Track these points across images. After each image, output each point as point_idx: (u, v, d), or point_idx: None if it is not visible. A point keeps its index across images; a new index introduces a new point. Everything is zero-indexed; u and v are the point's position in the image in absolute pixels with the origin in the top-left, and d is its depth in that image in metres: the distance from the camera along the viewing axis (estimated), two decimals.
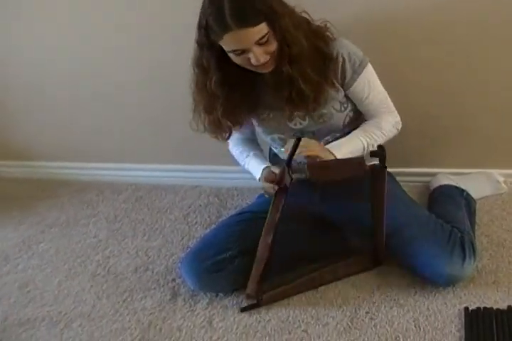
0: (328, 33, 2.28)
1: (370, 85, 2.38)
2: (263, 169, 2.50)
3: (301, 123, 2.41)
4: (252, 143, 2.72)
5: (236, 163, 2.71)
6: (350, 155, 2.30)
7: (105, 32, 3.11)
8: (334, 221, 2.62)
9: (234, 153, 2.72)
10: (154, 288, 2.69)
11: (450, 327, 2.22)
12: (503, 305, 2.27)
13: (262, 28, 2.03)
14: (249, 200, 3.15)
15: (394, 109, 2.47)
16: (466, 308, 2.27)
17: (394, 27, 2.64)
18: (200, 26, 2.11)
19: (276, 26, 2.07)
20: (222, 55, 2.16)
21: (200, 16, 2.09)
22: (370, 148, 2.34)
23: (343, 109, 2.41)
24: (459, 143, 2.95)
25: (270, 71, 2.22)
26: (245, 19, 1.99)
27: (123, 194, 3.61)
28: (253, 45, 2.05)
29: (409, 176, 2.99)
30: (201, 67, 2.24)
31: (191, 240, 3.00)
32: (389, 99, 2.45)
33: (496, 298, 2.33)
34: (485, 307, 2.26)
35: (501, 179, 2.91)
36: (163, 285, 2.70)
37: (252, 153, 2.63)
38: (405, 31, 2.64)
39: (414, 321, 2.28)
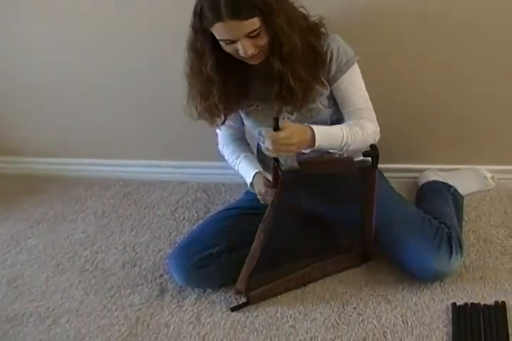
0: (322, 29, 2.28)
1: (353, 85, 2.37)
2: (254, 174, 2.50)
3: (289, 117, 2.40)
4: (243, 143, 2.71)
5: (224, 160, 2.70)
6: (327, 139, 2.23)
7: (99, 29, 3.11)
8: (324, 218, 2.61)
9: (224, 153, 2.71)
10: (142, 284, 2.69)
11: (437, 323, 2.24)
12: (490, 301, 2.28)
13: (254, 22, 2.03)
14: (237, 196, 3.14)
15: (375, 119, 2.42)
16: (454, 304, 2.29)
17: (388, 25, 2.64)
18: (195, 12, 2.10)
19: (270, 23, 2.06)
20: (215, 42, 2.15)
21: (196, 2, 2.09)
22: (348, 143, 2.28)
23: (330, 104, 2.40)
24: (447, 139, 2.96)
25: (261, 63, 2.22)
26: (239, 11, 1.99)
27: (111, 189, 3.60)
28: (242, 37, 2.06)
29: (397, 172, 3.00)
30: (196, 51, 2.23)
31: (179, 236, 3.00)
32: (372, 108, 2.42)
33: (483, 294, 2.35)
34: (472, 303, 2.28)
35: (489, 175, 2.92)
36: (150, 281, 2.70)
37: (242, 155, 2.61)
38: (399, 30, 2.65)
39: (401, 316, 2.30)
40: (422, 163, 3.05)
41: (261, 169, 2.52)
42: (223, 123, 2.47)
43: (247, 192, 2.76)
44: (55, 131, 3.66)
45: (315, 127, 2.20)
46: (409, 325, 2.25)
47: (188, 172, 3.49)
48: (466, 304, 2.28)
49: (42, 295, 2.72)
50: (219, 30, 2.05)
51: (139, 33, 3.04)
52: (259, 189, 2.42)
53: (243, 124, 2.63)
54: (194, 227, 2.83)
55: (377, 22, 2.63)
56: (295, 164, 2.18)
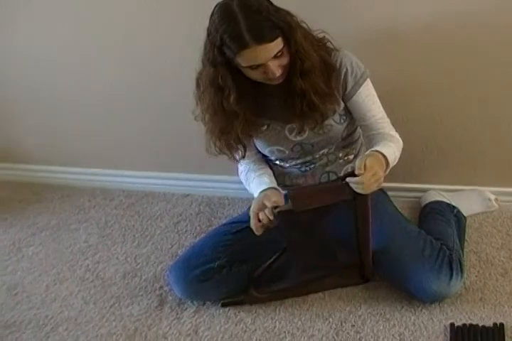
0: (328, 44, 2.29)
1: (371, 98, 2.38)
2: (263, 190, 2.43)
3: (301, 136, 2.40)
4: (261, 162, 2.63)
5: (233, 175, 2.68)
6: (392, 158, 2.20)
7: (102, 37, 3.13)
8: (324, 235, 2.61)
9: (243, 180, 2.64)
10: (142, 295, 2.70)
11: None
12: (488, 323, 2.28)
13: (279, 42, 2.03)
14: (240, 210, 3.14)
15: (392, 126, 2.44)
16: (452, 324, 2.28)
17: (388, 43, 2.66)
18: (212, 44, 2.08)
19: (292, 40, 2.07)
20: (236, 71, 2.15)
21: (210, 34, 2.07)
22: (396, 157, 2.28)
23: (342, 121, 2.40)
24: (451, 159, 2.95)
25: (279, 83, 2.22)
26: (263, 35, 1.98)
27: (115, 200, 3.61)
28: (270, 60, 2.05)
29: (400, 191, 3.00)
30: (217, 86, 2.19)
31: (180, 248, 3.00)
32: (387, 117, 2.44)
33: (482, 315, 2.34)
34: (471, 324, 2.27)
35: (493, 197, 2.92)
36: (150, 292, 2.71)
37: (258, 173, 2.55)
38: (398, 43, 2.66)
39: (399, 335, 2.29)
40: (425, 182, 3.05)
41: (272, 185, 2.46)
42: (243, 156, 2.45)
43: (248, 209, 2.76)
44: (61, 140, 3.68)
45: (380, 149, 2.17)
46: None
47: (192, 185, 3.50)
48: (464, 325, 2.27)
49: (41, 303, 2.72)
50: (246, 58, 2.04)
51: (144, 45, 3.06)
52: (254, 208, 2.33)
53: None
54: (196, 240, 2.82)
55: (378, 40, 2.65)
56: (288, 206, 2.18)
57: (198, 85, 2.34)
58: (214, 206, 3.39)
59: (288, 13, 2.10)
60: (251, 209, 2.31)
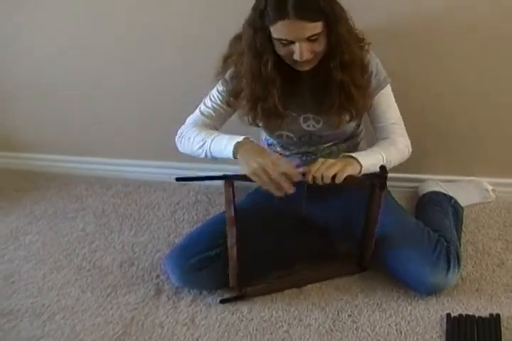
0: (367, 46, 2.30)
1: (389, 102, 2.41)
2: (246, 137, 2.25)
3: (314, 126, 2.41)
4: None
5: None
6: (371, 168, 2.23)
7: (102, 33, 3.14)
8: (321, 224, 2.62)
9: (189, 130, 2.47)
10: (138, 284, 2.70)
11: (431, 333, 2.24)
12: (485, 313, 2.29)
13: (318, 26, 2.02)
14: (238, 199, 3.13)
15: (406, 133, 2.47)
16: (448, 315, 2.29)
17: (393, 40, 2.66)
18: (256, 7, 2.07)
19: (334, 30, 2.07)
20: (271, 42, 2.13)
21: None
22: (387, 164, 2.29)
23: (354, 120, 2.43)
24: (449, 150, 2.96)
25: (308, 72, 2.22)
26: (306, 12, 1.97)
27: (112, 189, 3.61)
28: (302, 40, 2.04)
29: (398, 181, 3.00)
30: (255, 50, 2.16)
31: (178, 237, 3.00)
32: (403, 123, 2.46)
33: (478, 306, 2.35)
34: (467, 315, 2.28)
35: (490, 187, 2.92)
36: (147, 281, 2.71)
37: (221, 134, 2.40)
38: (404, 40, 2.66)
39: (395, 326, 2.30)
40: (423, 173, 3.05)
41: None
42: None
43: (248, 195, 2.76)
44: (59, 129, 3.68)
45: (361, 159, 2.21)
46: (403, 334, 2.25)
47: (189, 174, 3.48)
48: (460, 315, 2.28)
49: (38, 292, 2.72)
50: (280, 29, 2.03)
51: (145, 37, 3.07)
52: (261, 162, 2.09)
53: (224, 122, 2.55)
54: (193, 229, 2.82)
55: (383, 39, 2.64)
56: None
57: (232, 46, 2.33)
58: (211, 195, 3.40)
59: (340, 5, 2.09)
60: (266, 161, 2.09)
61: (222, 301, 2.48)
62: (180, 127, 2.50)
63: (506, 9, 2.49)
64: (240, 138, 2.21)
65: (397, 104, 2.43)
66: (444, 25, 2.59)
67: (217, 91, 2.46)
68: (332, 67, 2.16)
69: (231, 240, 2.35)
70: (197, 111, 2.52)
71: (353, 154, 2.24)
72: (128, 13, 3.01)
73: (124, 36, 3.11)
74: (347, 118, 2.35)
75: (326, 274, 2.57)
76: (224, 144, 2.24)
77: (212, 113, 2.49)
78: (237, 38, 2.28)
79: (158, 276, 2.73)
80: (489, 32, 2.56)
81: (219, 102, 2.47)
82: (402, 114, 2.44)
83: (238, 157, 2.18)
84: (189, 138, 2.43)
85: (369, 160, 2.24)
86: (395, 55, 2.66)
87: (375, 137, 2.50)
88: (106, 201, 3.48)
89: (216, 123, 2.51)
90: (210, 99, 2.49)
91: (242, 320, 2.42)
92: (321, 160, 2.12)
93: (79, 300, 2.64)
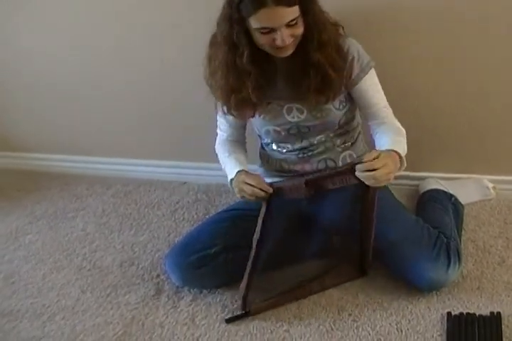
0: (340, 30, 2.32)
1: (375, 86, 2.40)
2: (238, 171, 2.44)
3: (298, 117, 2.41)
4: (238, 146, 2.68)
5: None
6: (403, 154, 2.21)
7: (102, 33, 3.14)
8: (322, 224, 2.61)
9: (218, 151, 2.68)
10: (139, 284, 2.70)
11: (432, 332, 2.24)
12: (485, 311, 2.28)
13: (296, 10, 2.04)
14: (237, 198, 3.12)
15: (395, 117, 2.45)
16: (449, 313, 2.28)
17: (393, 28, 2.65)
18: (231, 1, 2.08)
19: (310, 11, 2.09)
20: (249, 32, 2.14)
21: None
22: (405, 150, 2.26)
23: (341, 107, 2.42)
24: (449, 148, 2.95)
25: (285, 58, 2.22)
26: None
27: (112, 188, 3.60)
28: (282, 26, 2.05)
29: (398, 179, 2.98)
30: (231, 43, 2.19)
31: (178, 236, 3.00)
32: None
33: (479, 304, 2.34)
34: (468, 313, 2.27)
35: (490, 185, 2.92)
36: (147, 281, 2.71)
37: (234, 154, 2.58)
38: (405, 31, 2.65)
39: (396, 324, 2.29)
40: (423, 171, 3.04)
41: (247, 169, 2.47)
42: (253, 116, 2.45)
43: None
44: (59, 129, 3.68)
45: (396, 149, 2.17)
46: (404, 333, 2.25)
47: (189, 173, 3.50)
48: (461, 314, 2.27)
49: (38, 292, 2.73)
50: (261, 18, 2.04)
51: (146, 34, 3.06)
52: (240, 186, 2.36)
53: (244, 128, 2.65)
54: (193, 228, 2.82)
55: (381, 23, 2.64)
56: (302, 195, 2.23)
57: (211, 45, 2.35)
58: (211, 194, 3.39)
59: None
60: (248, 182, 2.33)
61: (228, 320, 2.44)
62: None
63: None
64: (233, 175, 2.44)
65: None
66: (444, 19, 2.59)
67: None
68: (309, 48, 2.17)
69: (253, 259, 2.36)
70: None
71: (394, 148, 2.17)
72: (128, 13, 3.01)
73: (124, 36, 3.11)
74: (323, 100, 2.32)
75: (330, 283, 2.55)
76: (227, 174, 2.50)
77: (226, 125, 2.62)
78: (214, 36, 2.31)
79: (158, 276, 2.73)
80: (495, 28, 2.56)
81: (222, 114, 2.52)
82: (402, 111, 2.44)
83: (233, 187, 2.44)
84: (218, 156, 2.67)
85: (403, 152, 2.21)
86: (393, 50, 2.67)
87: (368, 123, 2.48)
88: (106, 200, 3.48)
89: (236, 133, 2.66)
90: (218, 111, 2.55)
91: (242, 320, 2.42)
92: (379, 162, 2.00)
93: (79, 300, 2.65)
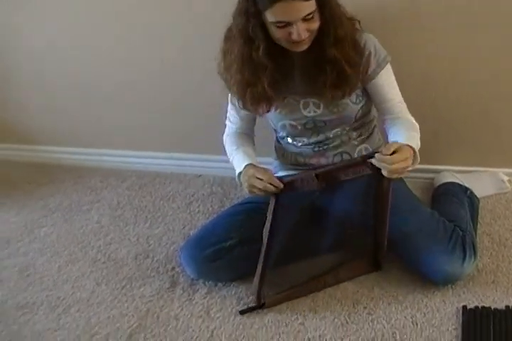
0: (357, 24, 2.31)
1: (390, 82, 2.39)
2: (246, 165, 2.44)
3: (315, 111, 2.40)
4: (247, 138, 2.68)
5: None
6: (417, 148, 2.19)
7: (102, 33, 3.18)
8: (335, 216, 2.60)
9: (226, 143, 2.68)
10: (153, 276, 2.70)
11: (447, 325, 2.23)
12: (501, 305, 2.27)
13: (312, 4, 2.03)
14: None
15: (409, 112, 2.44)
16: (464, 307, 2.27)
17: (410, 23, 2.64)
18: None
19: (327, 5, 2.08)
20: (265, 26, 2.14)
21: None
22: (418, 144, 2.25)
23: (358, 101, 2.41)
24: (465, 141, 2.94)
25: (301, 53, 2.22)
26: None
27: (127, 181, 3.61)
28: (299, 20, 2.04)
29: (414, 172, 2.96)
30: (247, 37, 2.18)
31: (193, 229, 3.00)
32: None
33: (494, 298, 2.33)
34: (483, 307, 2.26)
35: (506, 178, 2.90)
36: (162, 273, 2.71)
37: (242, 147, 2.58)
38: (421, 27, 2.65)
39: (411, 318, 2.29)
40: (439, 164, 3.03)
41: (255, 163, 2.46)
42: (268, 111, 2.44)
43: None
44: (74, 121, 3.69)
45: (411, 144, 2.14)
46: (419, 326, 2.24)
47: (204, 166, 3.50)
48: (476, 307, 2.26)
49: (53, 284, 2.73)
50: (278, 12, 2.03)
51: (146, 34, 3.09)
52: (250, 180, 2.35)
53: (255, 121, 2.65)
54: (208, 221, 2.82)
55: (398, 21, 2.63)
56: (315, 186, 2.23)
57: (226, 39, 2.34)
58: (226, 186, 3.39)
59: None
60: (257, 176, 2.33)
61: (242, 312, 2.44)
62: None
63: None
64: (241, 168, 2.43)
65: (411, 96, 2.42)
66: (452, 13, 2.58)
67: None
68: (326, 43, 2.16)
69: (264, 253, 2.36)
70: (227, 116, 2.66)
71: (409, 143, 2.14)
72: (128, 13, 3.03)
73: (124, 36, 3.14)
74: (340, 95, 2.32)
75: (344, 276, 2.54)
76: (235, 167, 2.50)
77: (237, 117, 2.62)
78: (229, 30, 2.30)
79: (173, 268, 2.73)
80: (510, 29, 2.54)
81: (233, 105, 2.55)
82: (416, 105, 2.43)
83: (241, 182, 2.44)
84: (225, 148, 2.66)
85: (416, 147, 2.19)
86: (409, 48, 2.66)
87: (382, 117, 2.47)
88: (121, 193, 3.48)
89: (246, 126, 2.67)
90: (229, 103, 2.57)
91: (257, 312, 2.42)
92: (399, 156, 2.00)
93: (94, 292, 2.65)
